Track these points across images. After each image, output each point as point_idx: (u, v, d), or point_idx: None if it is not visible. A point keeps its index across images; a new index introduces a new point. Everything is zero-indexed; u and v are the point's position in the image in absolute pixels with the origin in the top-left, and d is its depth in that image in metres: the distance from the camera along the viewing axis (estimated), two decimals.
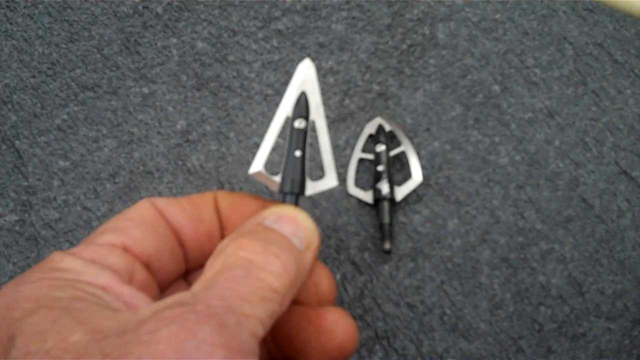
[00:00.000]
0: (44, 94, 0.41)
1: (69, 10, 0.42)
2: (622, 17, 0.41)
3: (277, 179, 0.28)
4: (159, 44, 0.41)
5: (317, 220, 0.38)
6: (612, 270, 0.37)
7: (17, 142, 0.40)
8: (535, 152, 0.38)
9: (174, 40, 0.41)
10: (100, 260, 0.23)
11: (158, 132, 0.40)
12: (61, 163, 0.40)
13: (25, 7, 0.42)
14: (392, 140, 0.38)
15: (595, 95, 0.39)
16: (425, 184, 0.38)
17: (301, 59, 0.41)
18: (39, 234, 0.38)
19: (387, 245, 0.36)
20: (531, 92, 0.39)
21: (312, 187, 0.29)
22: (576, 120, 0.39)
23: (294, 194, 0.28)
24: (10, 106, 0.41)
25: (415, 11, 0.41)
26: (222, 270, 0.22)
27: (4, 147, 0.40)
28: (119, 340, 0.18)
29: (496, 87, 0.40)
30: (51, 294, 0.21)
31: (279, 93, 0.40)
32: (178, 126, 0.40)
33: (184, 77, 0.41)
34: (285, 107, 0.29)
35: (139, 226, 0.25)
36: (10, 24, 0.42)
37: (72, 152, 0.40)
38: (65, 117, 0.40)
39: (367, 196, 0.38)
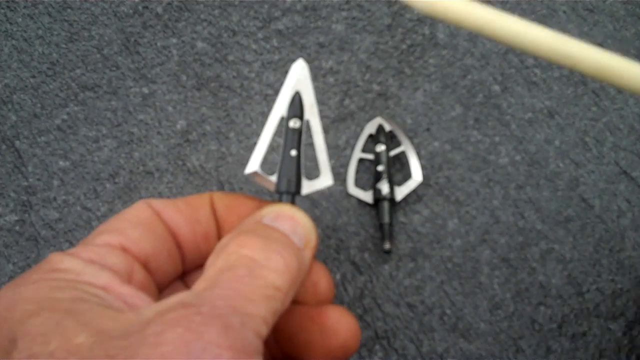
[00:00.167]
0: (44, 94, 0.41)
1: (69, 10, 0.42)
2: (622, 17, 0.40)
3: (274, 178, 0.29)
4: (159, 44, 0.41)
5: (317, 220, 0.38)
6: (612, 270, 0.37)
7: (17, 142, 0.40)
8: (535, 152, 0.38)
9: (174, 40, 0.41)
10: (100, 261, 0.23)
11: (158, 132, 0.40)
12: (61, 163, 0.40)
13: (25, 7, 0.43)
14: (392, 140, 0.38)
15: (595, 95, 0.39)
16: (425, 184, 0.38)
17: (299, 58, 0.41)
18: (39, 234, 0.38)
19: (387, 245, 0.36)
20: (531, 92, 0.39)
21: (308, 186, 0.29)
22: (576, 120, 0.39)
23: (290, 193, 0.28)
24: (10, 106, 0.41)
25: (415, 11, 0.41)
26: (224, 269, 0.21)
27: (4, 147, 0.40)
28: (124, 342, 0.18)
29: (496, 87, 0.40)
30: (52, 295, 0.20)
31: (279, 93, 0.40)
32: (178, 126, 0.40)
33: (184, 77, 0.41)
34: (280, 107, 0.29)
35: (136, 227, 0.25)
36: (10, 24, 0.42)
37: (72, 152, 0.40)
38: (65, 117, 0.40)
39: (367, 196, 0.38)
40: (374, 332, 0.36)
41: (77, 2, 0.42)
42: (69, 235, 0.38)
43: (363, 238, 0.38)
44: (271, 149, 0.29)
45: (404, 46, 0.41)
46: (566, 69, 0.40)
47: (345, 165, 0.39)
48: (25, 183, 0.39)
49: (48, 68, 0.41)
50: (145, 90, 0.41)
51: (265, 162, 0.29)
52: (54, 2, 0.42)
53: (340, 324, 0.27)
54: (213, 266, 0.22)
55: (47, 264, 0.22)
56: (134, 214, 0.26)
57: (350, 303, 0.37)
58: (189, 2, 0.42)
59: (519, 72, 0.40)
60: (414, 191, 0.38)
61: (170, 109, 0.40)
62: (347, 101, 0.40)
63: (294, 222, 0.25)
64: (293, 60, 0.41)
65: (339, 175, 0.38)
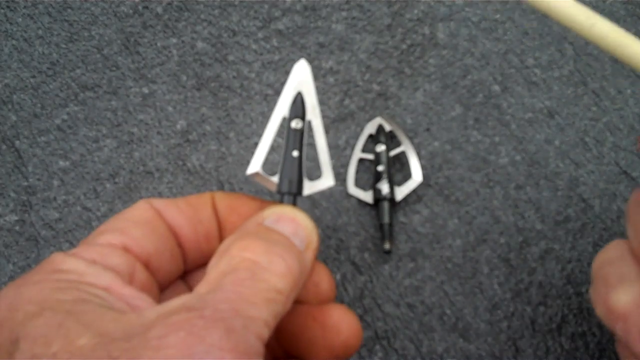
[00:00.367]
0: (44, 94, 0.41)
1: (69, 10, 0.42)
2: (622, 17, 0.41)
3: (275, 179, 0.29)
4: (159, 44, 0.41)
5: (317, 220, 0.38)
6: None
7: (17, 142, 0.40)
8: (535, 152, 0.38)
9: (174, 40, 0.41)
10: (102, 261, 0.23)
11: (158, 132, 0.40)
12: (61, 163, 0.40)
13: (25, 7, 0.42)
14: (392, 140, 0.38)
15: (595, 95, 0.39)
16: (425, 184, 0.38)
17: (301, 58, 0.41)
18: (39, 234, 0.38)
19: (387, 246, 0.36)
20: (531, 92, 0.39)
21: (310, 187, 0.29)
22: (576, 120, 0.39)
23: (291, 194, 0.28)
24: (10, 106, 0.41)
25: (415, 11, 0.41)
26: (226, 272, 0.22)
27: (4, 147, 0.40)
28: (127, 344, 0.18)
29: (496, 87, 0.40)
30: (54, 296, 0.21)
31: (279, 93, 0.40)
32: (178, 126, 0.40)
33: (184, 77, 0.41)
34: (282, 107, 0.29)
35: (138, 226, 0.26)
36: (10, 24, 0.42)
37: (72, 152, 0.40)
38: (65, 117, 0.40)
39: (367, 196, 0.38)
40: (374, 332, 0.36)
41: (77, 2, 0.42)
42: (69, 235, 0.38)
43: (363, 238, 0.38)
44: (272, 149, 0.29)
45: (404, 46, 0.41)
46: (566, 69, 0.40)
47: (345, 165, 0.39)
48: (25, 183, 0.39)
49: (48, 68, 0.41)
50: (145, 90, 0.41)
51: (266, 162, 0.29)
52: (54, 2, 0.42)
53: (342, 323, 0.27)
54: (215, 269, 0.22)
55: (49, 265, 0.22)
56: (135, 213, 0.26)
57: (350, 303, 0.37)
58: (189, 2, 0.42)
59: (519, 72, 0.40)
60: (414, 191, 0.38)
61: (170, 109, 0.40)
62: (347, 101, 0.40)
63: (295, 224, 0.25)
64: (293, 60, 0.41)
65: (339, 175, 0.38)
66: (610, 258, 0.27)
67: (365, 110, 0.39)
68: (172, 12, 0.42)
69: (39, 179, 0.39)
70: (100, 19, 0.42)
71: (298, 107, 0.29)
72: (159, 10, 0.42)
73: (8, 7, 0.43)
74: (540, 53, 0.40)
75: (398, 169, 0.38)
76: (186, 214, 0.27)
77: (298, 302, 0.27)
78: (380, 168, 0.37)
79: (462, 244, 0.37)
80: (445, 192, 0.38)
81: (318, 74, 0.40)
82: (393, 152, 0.38)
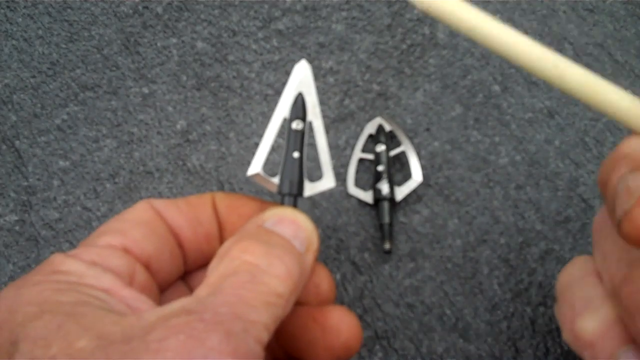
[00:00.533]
0: (44, 94, 0.41)
1: (69, 10, 0.42)
2: (622, 17, 0.40)
3: (276, 180, 0.29)
4: (159, 44, 0.41)
5: (317, 220, 0.38)
6: None
7: (17, 142, 0.40)
8: (535, 152, 0.38)
9: (174, 40, 0.41)
10: (102, 263, 0.23)
11: (158, 132, 0.40)
12: (61, 163, 0.40)
13: (25, 7, 0.42)
14: (392, 140, 0.38)
15: None
16: (425, 184, 0.38)
17: (301, 59, 0.41)
18: (39, 234, 0.38)
19: (387, 246, 0.36)
20: (531, 92, 0.39)
21: (310, 188, 0.29)
22: (576, 120, 0.39)
23: (292, 195, 0.28)
24: (10, 106, 0.41)
25: (415, 11, 0.41)
26: (226, 275, 0.22)
27: (4, 147, 0.40)
28: (126, 347, 0.18)
29: (496, 87, 0.40)
30: (54, 297, 0.21)
31: (279, 93, 0.40)
32: (178, 126, 0.40)
33: (184, 77, 0.41)
34: (283, 108, 0.29)
35: (138, 227, 0.26)
36: (10, 24, 0.42)
37: (72, 152, 0.40)
38: (65, 117, 0.40)
39: (367, 196, 0.38)
40: (374, 332, 0.36)
41: (77, 2, 0.42)
42: (69, 236, 0.38)
43: (363, 238, 0.38)
44: (272, 149, 0.29)
45: (404, 46, 0.41)
46: None
47: (345, 165, 0.39)
48: (25, 183, 0.39)
49: (48, 68, 0.41)
50: (145, 90, 0.40)
51: (267, 163, 0.29)
52: (54, 2, 0.42)
53: (342, 324, 0.27)
54: (215, 271, 0.22)
55: (49, 266, 0.22)
56: (135, 214, 0.26)
57: (350, 303, 0.37)
58: (189, 2, 0.42)
59: (519, 72, 0.40)
60: (414, 191, 0.38)
61: (170, 109, 0.40)
62: (347, 101, 0.40)
63: (295, 227, 0.25)
64: (293, 60, 0.41)
65: (339, 175, 0.38)
66: (576, 278, 0.27)
67: (365, 110, 0.39)
68: (172, 12, 0.42)
69: (39, 179, 0.39)
70: (100, 19, 0.42)
71: (299, 108, 0.29)
72: (159, 10, 0.42)
73: (8, 7, 0.43)
74: None
75: (398, 169, 0.38)
76: (186, 214, 0.27)
77: (298, 303, 0.27)
78: (380, 168, 0.37)
79: (462, 244, 0.37)
80: (445, 192, 0.38)
81: (318, 74, 0.40)
82: (393, 152, 0.38)
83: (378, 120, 0.38)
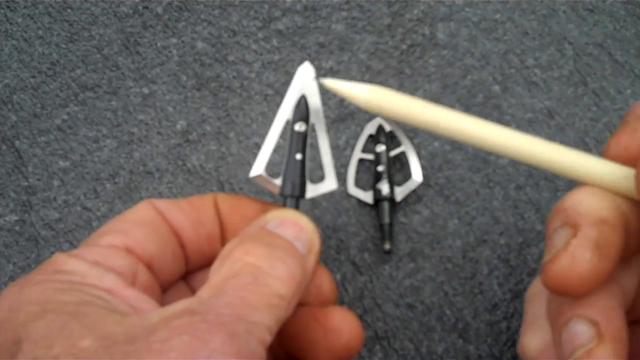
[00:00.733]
0: (44, 94, 0.41)
1: (69, 10, 0.42)
2: (622, 17, 0.41)
3: (278, 182, 0.29)
4: (159, 44, 0.41)
5: (317, 220, 0.38)
6: None
7: (17, 142, 0.40)
8: None
9: (174, 40, 0.41)
10: (104, 262, 0.23)
11: (158, 132, 0.40)
12: (61, 163, 0.40)
13: (25, 7, 0.42)
14: (392, 140, 0.38)
15: (595, 95, 0.39)
16: (425, 184, 0.38)
17: (301, 59, 0.41)
18: (39, 234, 0.38)
19: (387, 246, 0.36)
20: (531, 92, 0.39)
21: (312, 190, 0.29)
22: (576, 120, 0.39)
23: (294, 197, 0.28)
24: (10, 106, 0.41)
25: (415, 11, 0.41)
26: (229, 277, 0.22)
27: (4, 147, 0.40)
28: (129, 347, 0.18)
29: (496, 87, 0.40)
30: (57, 297, 0.21)
31: (279, 93, 0.40)
32: (178, 126, 0.40)
33: (184, 77, 0.41)
34: (286, 110, 0.29)
35: (140, 227, 0.26)
36: (10, 24, 0.42)
37: (72, 152, 0.40)
38: (65, 117, 0.40)
39: (367, 196, 0.38)
40: (374, 333, 0.36)
41: (77, 2, 0.42)
42: (69, 236, 0.38)
43: (363, 238, 0.38)
44: (272, 152, 0.30)
45: (404, 46, 0.41)
46: (566, 69, 0.40)
47: (345, 166, 0.39)
48: (25, 183, 0.39)
49: (48, 68, 0.41)
50: (145, 90, 0.40)
51: (268, 164, 0.29)
52: (54, 2, 0.42)
53: (343, 325, 0.27)
54: (218, 273, 0.22)
55: (51, 265, 0.22)
56: (137, 214, 0.26)
57: (350, 303, 0.37)
58: (189, 2, 0.42)
59: (519, 72, 0.40)
60: (414, 191, 0.38)
61: (170, 109, 0.40)
62: (347, 101, 0.40)
63: (298, 228, 0.25)
64: (293, 61, 0.41)
65: (339, 175, 0.38)
66: (532, 294, 0.28)
67: (365, 111, 0.39)
68: (172, 12, 0.42)
69: (39, 179, 0.39)
70: (100, 19, 0.42)
71: (302, 110, 0.29)
72: (159, 10, 0.42)
73: (8, 7, 0.42)
74: (540, 53, 0.40)
75: (398, 169, 0.38)
76: (188, 215, 0.27)
77: (300, 304, 0.27)
78: (380, 168, 0.37)
79: (462, 244, 0.37)
80: (445, 193, 0.38)
81: (318, 74, 0.40)
82: (393, 152, 0.38)
83: (378, 121, 0.38)
